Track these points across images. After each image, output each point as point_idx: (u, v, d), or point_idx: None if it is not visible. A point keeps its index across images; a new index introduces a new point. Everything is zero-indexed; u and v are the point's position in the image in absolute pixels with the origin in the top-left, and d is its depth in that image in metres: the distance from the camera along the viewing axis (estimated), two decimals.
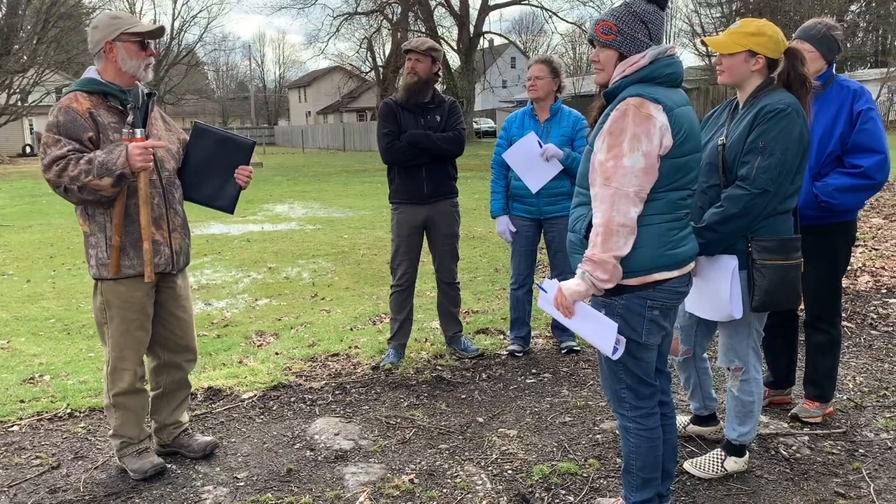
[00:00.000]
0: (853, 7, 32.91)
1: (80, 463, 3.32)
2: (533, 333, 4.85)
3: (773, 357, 3.69)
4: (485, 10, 37.51)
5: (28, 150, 40.18)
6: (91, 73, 2.99)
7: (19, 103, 33.82)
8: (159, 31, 3.07)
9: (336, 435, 3.53)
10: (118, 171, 2.81)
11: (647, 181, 2.28)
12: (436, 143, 4.29)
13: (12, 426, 3.73)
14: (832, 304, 3.47)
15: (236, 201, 3.26)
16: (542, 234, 4.57)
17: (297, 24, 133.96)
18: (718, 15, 34.39)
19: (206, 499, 2.98)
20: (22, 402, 4.05)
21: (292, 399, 4.03)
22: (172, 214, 3.10)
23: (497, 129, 41.34)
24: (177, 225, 3.13)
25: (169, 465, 3.22)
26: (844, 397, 3.80)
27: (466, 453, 3.32)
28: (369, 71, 44.94)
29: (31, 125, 42.34)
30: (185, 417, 3.41)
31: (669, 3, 2.58)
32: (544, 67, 4.37)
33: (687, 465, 3.08)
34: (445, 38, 38.23)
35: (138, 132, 2.93)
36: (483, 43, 41.06)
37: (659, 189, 2.32)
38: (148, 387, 3.26)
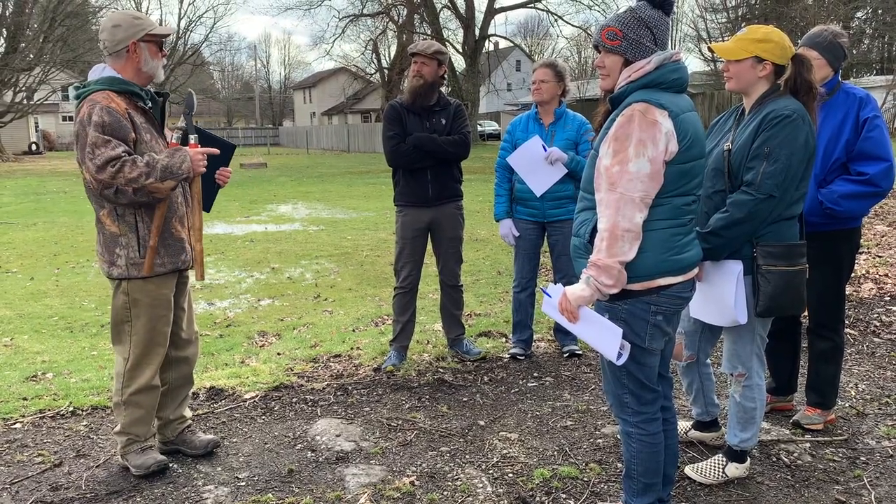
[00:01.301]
0: (859, 14, 32.87)
1: (81, 461, 3.33)
2: (535, 337, 4.85)
3: (775, 363, 3.68)
4: (490, 12, 37.56)
5: (34, 147, 40.28)
6: (109, 71, 2.99)
7: (25, 101, 33.96)
8: (171, 33, 3.14)
9: (337, 436, 3.53)
10: (183, 175, 2.91)
11: (653, 187, 2.28)
12: (441, 146, 4.30)
13: (15, 423, 3.74)
14: (836, 310, 3.46)
15: (213, 201, 3.35)
16: (545, 238, 4.58)
17: (302, 26, 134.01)
18: (724, 20, 34.32)
19: (207, 498, 2.98)
20: (24, 399, 4.06)
21: (294, 400, 4.03)
22: (190, 213, 3.17)
23: (501, 131, 41.34)
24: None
25: (170, 465, 3.22)
26: (846, 405, 3.80)
27: (467, 456, 3.32)
28: (374, 72, 45.02)
29: (36, 123, 42.46)
30: (188, 413, 3.43)
31: (675, 8, 2.58)
32: (549, 71, 4.38)
33: (688, 471, 3.08)
34: (451, 40, 38.30)
35: (192, 138, 3.02)
36: (488, 46, 41.08)
37: (664, 194, 2.32)
38: None
